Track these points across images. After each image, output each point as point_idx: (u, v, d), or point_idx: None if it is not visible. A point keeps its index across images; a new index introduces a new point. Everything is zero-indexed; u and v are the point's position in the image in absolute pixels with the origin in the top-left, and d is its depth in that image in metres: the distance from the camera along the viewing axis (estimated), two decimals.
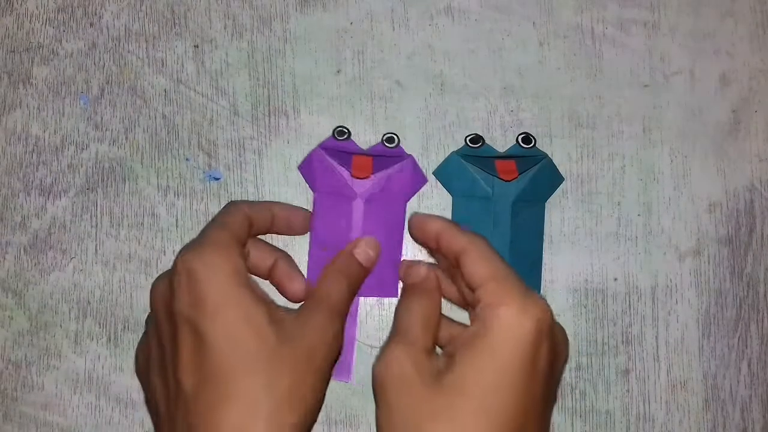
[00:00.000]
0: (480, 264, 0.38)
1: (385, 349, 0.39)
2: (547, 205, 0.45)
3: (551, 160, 0.45)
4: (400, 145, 0.45)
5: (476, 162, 0.44)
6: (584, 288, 0.45)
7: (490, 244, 0.40)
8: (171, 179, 0.45)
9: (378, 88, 0.45)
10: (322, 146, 0.44)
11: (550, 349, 0.37)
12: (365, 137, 0.45)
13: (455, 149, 0.45)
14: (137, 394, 0.44)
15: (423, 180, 0.45)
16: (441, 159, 0.45)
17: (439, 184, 0.45)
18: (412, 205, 0.45)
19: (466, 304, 0.41)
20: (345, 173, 0.44)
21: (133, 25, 0.46)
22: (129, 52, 0.46)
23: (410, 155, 0.45)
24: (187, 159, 0.45)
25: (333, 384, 0.44)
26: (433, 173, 0.45)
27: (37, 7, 0.46)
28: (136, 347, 0.42)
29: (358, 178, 0.43)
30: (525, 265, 0.44)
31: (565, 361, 0.40)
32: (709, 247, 0.45)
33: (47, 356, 0.45)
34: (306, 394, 0.37)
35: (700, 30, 0.45)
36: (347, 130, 0.44)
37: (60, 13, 0.46)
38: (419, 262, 0.43)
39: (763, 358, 0.45)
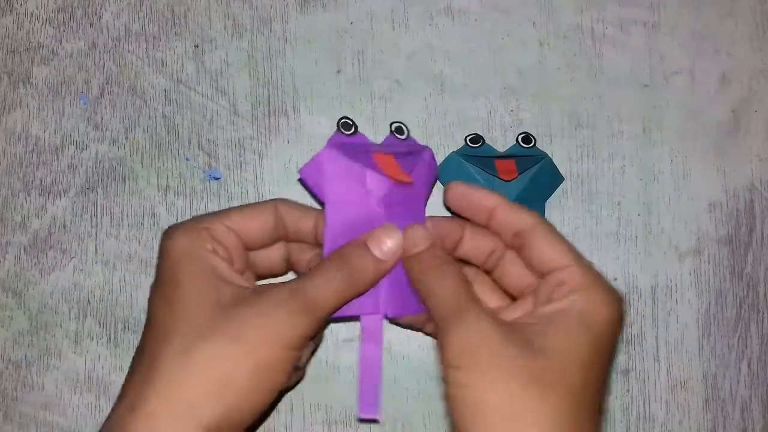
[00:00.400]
0: (557, 245, 0.37)
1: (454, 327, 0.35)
2: (547, 204, 0.45)
3: (551, 159, 0.45)
4: (411, 137, 0.41)
5: (476, 162, 0.44)
6: None
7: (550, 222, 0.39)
8: (171, 179, 0.45)
9: (378, 88, 0.45)
10: (331, 143, 0.38)
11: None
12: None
13: (455, 149, 0.45)
14: None
15: (437, 173, 0.42)
16: (441, 159, 0.45)
17: (438, 183, 0.45)
18: None
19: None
20: (359, 171, 0.38)
21: (133, 25, 0.46)
22: (129, 52, 0.46)
23: (427, 147, 0.41)
24: (187, 159, 0.45)
25: (332, 383, 0.44)
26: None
27: (37, 7, 0.46)
28: None
29: (401, 182, 0.38)
30: None
31: None
32: (709, 246, 0.45)
33: (47, 356, 0.45)
34: (240, 372, 0.34)
35: (700, 30, 0.45)
36: (352, 122, 0.40)
37: (60, 13, 0.46)
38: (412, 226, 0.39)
39: (763, 358, 0.45)
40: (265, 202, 0.39)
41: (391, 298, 0.38)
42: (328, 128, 0.45)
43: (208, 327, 0.34)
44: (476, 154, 0.44)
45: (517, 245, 0.38)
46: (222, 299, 0.35)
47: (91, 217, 0.45)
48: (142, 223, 0.45)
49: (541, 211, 0.44)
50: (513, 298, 0.40)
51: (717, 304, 0.45)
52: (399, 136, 0.41)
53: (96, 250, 0.45)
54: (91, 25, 0.46)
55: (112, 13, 0.46)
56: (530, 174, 0.43)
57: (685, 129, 0.45)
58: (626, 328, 0.44)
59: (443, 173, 0.45)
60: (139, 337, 0.44)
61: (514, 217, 0.38)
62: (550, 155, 0.44)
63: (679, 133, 0.45)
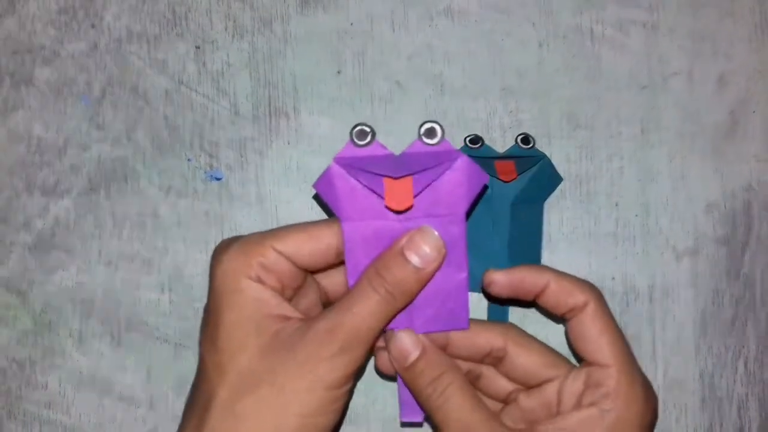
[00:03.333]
0: (604, 335, 0.36)
1: None
2: (545, 204, 0.45)
3: (550, 160, 0.45)
4: (445, 138, 0.36)
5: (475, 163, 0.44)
6: None
7: (603, 299, 0.37)
8: (173, 179, 0.46)
9: (378, 89, 0.45)
10: (339, 159, 0.36)
11: None
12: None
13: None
14: (140, 392, 0.45)
15: (483, 178, 0.36)
16: None
17: None
18: None
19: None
20: (378, 186, 0.34)
21: (134, 26, 0.46)
22: (130, 53, 0.46)
23: (460, 153, 0.36)
24: (188, 159, 0.46)
25: None
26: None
27: (38, 9, 0.46)
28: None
29: (397, 211, 0.35)
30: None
31: None
32: (707, 247, 0.45)
33: (51, 355, 0.45)
34: (267, 413, 0.33)
35: (698, 31, 0.46)
36: (369, 128, 0.35)
37: (62, 14, 0.46)
38: (392, 332, 0.37)
39: (760, 357, 0.45)
40: (329, 222, 0.36)
41: (422, 313, 0.36)
42: (329, 129, 0.45)
43: (253, 377, 0.33)
44: (475, 155, 0.44)
45: (566, 320, 0.37)
46: (265, 342, 0.34)
47: (93, 217, 0.46)
48: (144, 223, 0.45)
49: (539, 212, 0.45)
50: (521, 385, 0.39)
51: (714, 304, 0.45)
52: (428, 140, 0.35)
53: (99, 250, 0.45)
54: (93, 26, 0.46)
55: (113, 14, 0.46)
56: (529, 175, 0.44)
57: (683, 130, 0.45)
58: (624, 328, 0.45)
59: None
60: (142, 337, 0.44)
61: (568, 295, 0.37)
62: (549, 156, 0.45)
63: (677, 134, 0.45)
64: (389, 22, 0.46)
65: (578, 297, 0.37)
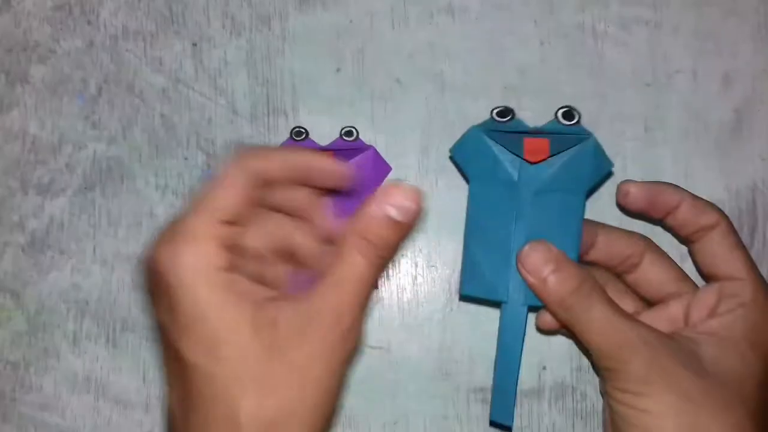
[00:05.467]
0: (734, 251, 0.37)
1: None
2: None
3: (597, 141, 0.38)
4: (360, 137, 0.43)
5: (500, 138, 0.38)
6: None
7: (732, 223, 0.38)
8: (169, 178, 0.45)
9: (378, 87, 0.45)
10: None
11: None
12: (365, 136, 0.44)
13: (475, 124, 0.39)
14: (136, 394, 0.44)
15: (387, 169, 0.44)
16: (441, 158, 0.44)
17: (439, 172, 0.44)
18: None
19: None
20: None
21: (130, 23, 0.46)
22: (127, 50, 0.46)
23: (371, 146, 0.43)
24: (185, 158, 0.45)
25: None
26: (449, 151, 0.40)
27: (34, 6, 0.46)
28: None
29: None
30: None
31: None
32: None
33: (45, 357, 0.45)
34: (302, 413, 0.32)
35: (702, 29, 0.45)
36: (304, 130, 0.43)
37: (57, 11, 0.46)
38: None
39: None
40: (229, 168, 0.33)
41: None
42: (328, 127, 0.45)
43: (270, 380, 0.31)
44: (502, 130, 0.38)
45: (692, 241, 0.39)
46: (269, 340, 0.31)
47: (89, 216, 0.45)
48: (141, 223, 0.45)
49: (576, 208, 0.38)
50: (648, 303, 0.40)
51: None
52: (347, 138, 0.43)
53: (94, 249, 0.45)
54: (89, 23, 0.46)
55: (109, 11, 0.46)
56: (565, 157, 0.37)
57: (688, 129, 0.45)
58: None
59: (459, 150, 0.39)
60: (137, 338, 0.44)
61: (696, 215, 0.38)
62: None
63: (681, 132, 0.45)
64: (389, 19, 0.45)
65: (709, 216, 0.38)
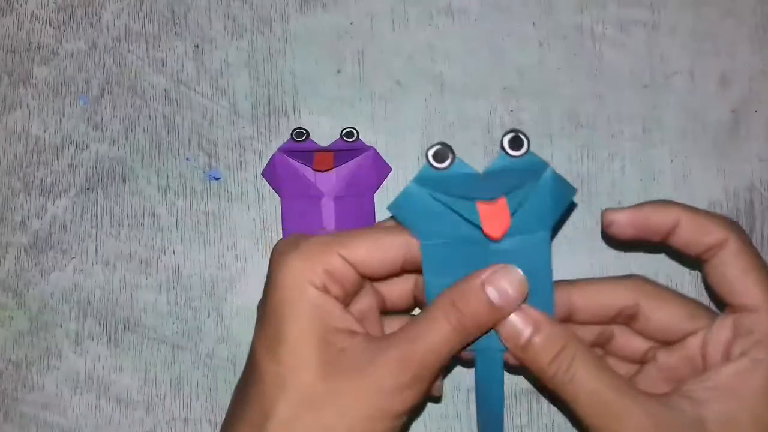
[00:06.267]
0: (750, 275, 0.32)
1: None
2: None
3: (554, 171, 0.33)
4: (360, 138, 0.44)
5: (448, 201, 0.33)
6: None
7: (746, 234, 0.33)
8: (171, 179, 0.45)
9: (378, 88, 0.45)
10: (282, 149, 0.44)
11: None
12: (366, 137, 0.45)
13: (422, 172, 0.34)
14: (137, 394, 0.44)
15: (387, 169, 0.45)
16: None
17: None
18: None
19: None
20: (309, 172, 0.44)
21: (133, 25, 0.46)
22: (129, 52, 0.46)
23: (371, 147, 0.44)
24: (187, 159, 0.45)
25: None
26: (387, 209, 0.35)
27: (37, 7, 0.46)
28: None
29: (319, 170, 0.43)
30: None
31: None
32: None
33: (47, 356, 0.45)
34: None
35: (700, 30, 0.45)
36: (305, 131, 0.44)
37: (60, 13, 0.46)
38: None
39: None
40: (399, 232, 0.34)
41: None
42: (329, 128, 0.45)
43: (316, 396, 0.32)
44: (446, 189, 0.33)
45: (702, 263, 0.34)
46: (330, 359, 0.32)
47: (91, 217, 0.45)
48: (142, 224, 0.45)
49: (544, 246, 0.33)
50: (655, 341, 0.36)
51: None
52: (347, 139, 0.44)
53: (96, 250, 0.45)
54: (91, 25, 0.46)
55: (112, 13, 0.46)
56: (523, 197, 0.33)
57: (685, 129, 0.45)
58: None
59: (401, 209, 0.34)
60: (139, 337, 0.44)
61: (699, 233, 0.33)
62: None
63: (679, 133, 0.45)
64: (389, 20, 0.45)
65: (716, 233, 0.33)
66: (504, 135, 0.33)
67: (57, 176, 0.45)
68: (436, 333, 0.32)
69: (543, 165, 0.33)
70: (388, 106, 0.45)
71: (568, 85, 0.45)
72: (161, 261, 0.45)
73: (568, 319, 0.35)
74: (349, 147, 0.44)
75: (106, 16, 0.46)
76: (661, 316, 0.34)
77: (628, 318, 0.35)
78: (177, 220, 0.45)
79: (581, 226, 0.45)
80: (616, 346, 0.36)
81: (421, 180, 0.33)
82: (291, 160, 0.44)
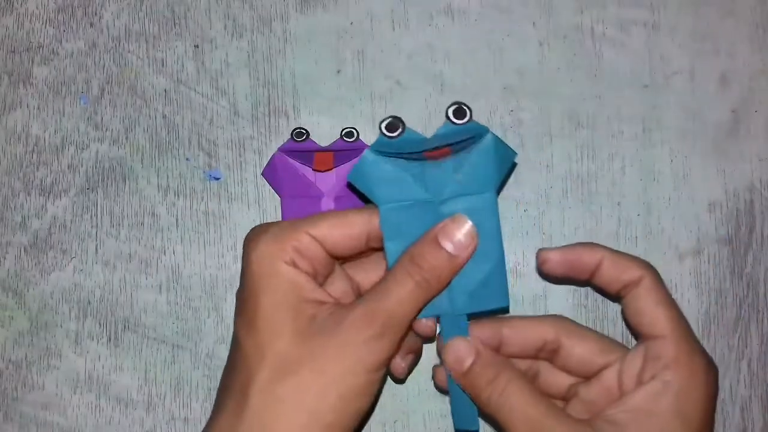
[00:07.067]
0: (660, 307, 0.36)
1: None
2: (545, 204, 0.44)
3: (495, 135, 0.36)
4: (360, 138, 0.44)
5: (399, 157, 0.36)
6: (584, 288, 0.45)
7: (658, 274, 0.37)
8: (171, 179, 0.45)
9: (378, 88, 0.45)
10: (282, 149, 0.44)
11: None
12: (366, 137, 0.45)
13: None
14: (137, 393, 0.44)
15: None
16: None
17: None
18: None
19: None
20: (309, 172, 0.44)
21: (133, 25, 0.46)
22: (129, 52, 0.46)
23: (369, 146, 0.42)
24: (187, 159, 0.45)
25: None
26: (347, 177, 0.38)
27: (37, 7, 0.46)
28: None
29: (319, 171, 0.43)
30: (480, 276, 0.37)
31: None
32: (709, 247, 0.45)
33: (47, 356, 0.45)
34: (314, 402, 0.34)
35: (700, 30, 0.45)
36: (305, 131, 0.44)
37: (60, 13, 0.46)
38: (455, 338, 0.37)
39: (763, 358, 0.45)
40: (363, 210, 0.37)
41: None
42: (329, 128, 0.45)
43: (292, 360, 0.34)
44: (397, 150, 0.36)
45: (620, 299, 0.37)
46: (302, 325, 0.34)
47: (91, 217, 0.45)
48: (142, 223, 0.45)
49: (491, 204, 0.36)
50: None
51: (717, 304, 0.45)
52: (347, 139, 0.43)
53: (96, 250, 0.45)
54: (91, 25, 0.46)
55: (112, 13, 0.46)
56: (468, 159, 0.36)
57: (685, 129, 0.45)
58: (626, 329, 0.44)
59: (358, 176, 0.37)
60: (139, 337, 0.44)
61: (622, 270, 0.37)
62: (549, 156, 0.42)
63: (679, 133, 0.45)
64: (389, 20, 0.45)
65: (633, 272, 0.36)
66: (448, 107, 0.36)
67: (57, 176, 0.45)
68: (401, 289, 0.35)
69: (484, 129, 0.36)
70: (388, 106, 0.45)
71: (568, 85, 0.45)
72: (161, 261, 0.45)
73: (498, 350, 0.38)
74: (349, 147, 0.44)
75: (106, 16, 0.46)
76: (579, 350, 0.37)
77: (551, 353, 0.38)
78: (177, 220, 0.45)
79: (581, 226, 0.45)
80: (542, 383, 0.39)
81: (376, 148, 0.36)
82: (291, 160, 0.44)
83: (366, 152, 0.36)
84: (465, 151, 0.36)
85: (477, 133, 0.36)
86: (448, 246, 0.35)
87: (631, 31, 0.45)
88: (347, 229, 0.36)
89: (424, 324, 0.37)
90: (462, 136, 0.35)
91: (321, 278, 0.37)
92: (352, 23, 0.45)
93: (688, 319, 0.44)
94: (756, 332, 0.45)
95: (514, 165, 0.42)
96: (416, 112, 0.45)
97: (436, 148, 0.35)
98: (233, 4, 0.46)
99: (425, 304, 0.36)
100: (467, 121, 0.36)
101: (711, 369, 0.36)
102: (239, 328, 0.36)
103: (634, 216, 0.45)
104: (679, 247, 0.45)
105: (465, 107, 0.36)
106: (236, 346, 0.36)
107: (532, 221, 0.45)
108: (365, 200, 0.44)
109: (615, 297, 0.38)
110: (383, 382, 0.37)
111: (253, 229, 0.37)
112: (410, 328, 0.36)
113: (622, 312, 0.38)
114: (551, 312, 0.44)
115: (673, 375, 0.35)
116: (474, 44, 0.45)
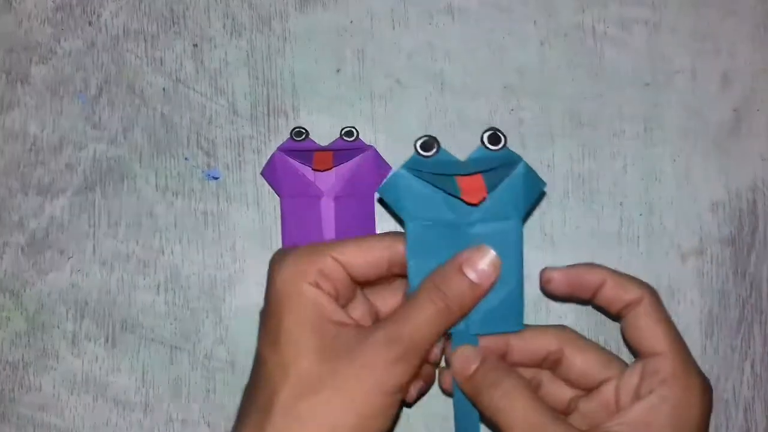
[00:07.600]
0: (659, 325, 0.37)
1: None
2: (546, 204, 0.43)
3: (527, 164, 0.37)
4: (360, 138, 0.44)
5: (430, 178, 0.37)
6: None
7: (658, 295, 0.38)
8: (170, 178, 0.45)
9: (378, 87, 0.45)
10: (281, 148, 0.44)
11: None
12: (365, 137, 0.44)
13: (409, 160, 0.37)
14: (135, 394, 0.44)
15: (387, 169, 0.44)
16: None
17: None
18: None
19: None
20: (308, 172, 0.44)
21: (131, 24, 0.46)
22: (128, 51, 0.46)
23: (371, 146, 0.44)
24: (185, 158, 0.45)
25: None
26: (377, 192, 0.39)
27: (35, 6, 0.46)
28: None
29: (318, 170, 0.43)
30: (497, 301, 0.37)
31: None
32: (712, 247, 0.44)
33: (45, 357, 0.44)
34: (333, 421, 0.34)
35: (701, 29, 0.45)
36: (305, 130, 0.44)
37: (58, 12, 0.46)
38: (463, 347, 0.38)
39: (767, 359, 0.44)
40: (385, 235, 0.38)
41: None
42: (328, 127, 0.45)
43: (314, 378, 0.35)
44: (430, 170, 0.37)
45: (620, 318, 0.38)
46: (325, 345, 0.35)
47: (89, 216, 0.45)
48: (140, 223, 0.45)
49: (515, 235, 0.37)
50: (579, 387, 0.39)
51: (720, 304, 0.44)
52: (347, 138, 0.44)
53: (94, 250, 0.45)
54: (90, 24, 0.46)
55: (110, 12, 0.46)
56: (498, 186, 0.37)
57: (687, 128, 0.45)
58: None
59: (389, 192, 0.37)
60: (136, 338, 0.44)
61: (622, 291, 0.38)
62: (551, 155, 0.42)
63: (680, 132, 0.45)
64: (389, 19, 0.45)
65: (634, 292, 0.37)
66: (484, 132, 0.37)
67: (55, 176, 0.45)
68: (422, 314, 0.35)
69: (517, 158, 0.37)
70: (388, 106, 0.45)
71: (569, 84, 0.45)
72: (159, 261, 0.45)
73: (504, 359, 0.39)
74: (348, 146, 0.44)
75: (105, 15, 0.46)
76: (581, 362, 0.38)
77: (553, 363, 0.39)
78: (175, 220, 0.45)
79: (583, 225, 0.44)
80: (544, 394, 0.39)
81: (409, 166, 0.37)
82: (290, 160, 0.44)
83: (399, 169, 0.37)
84: (494, 171, 0.36)
85: (510, 160, 0.37)
86: (472, 275, 0.36)
87: (633, 29, 0.45)
88: (368, 253, 0.37)
89: (433, 353, 0.38)
90: (495, 163, 0.36)
91: (343, 301, 0.38)
92: (351, 22, 0.45)
93: (690, 319, 0.44)
94: (759, 333, 0.44)
95: (542, 195, 0.43)
96: (416, 112, 0.45)
97: (469, 174, 0.36)
98: (232, 2, 0.46)
99: (446, 330, 0.36)
100: (501, 148, 0.37)
101: (706, 387, 0.37)
102: (263, 346, 0.37)
103: (636, 216, 0.44)
104: (682, 247, 0.44)
105: (500, 134, 0.36)
106: (259, 363, 0.37)
107: (534, 221, 0.44)
108: (365, 200, 0.44)
109: (615, 316, 0.39)
110: (401, 406, 0.38)
111: (278, 251, 0.38)
112: (430, 353, 0.37)
113: (622, 331, 0.39)
114: (553, 315, 0.44)
115: (670, 390, 0.36)
116: (474, 43, 0.45)
